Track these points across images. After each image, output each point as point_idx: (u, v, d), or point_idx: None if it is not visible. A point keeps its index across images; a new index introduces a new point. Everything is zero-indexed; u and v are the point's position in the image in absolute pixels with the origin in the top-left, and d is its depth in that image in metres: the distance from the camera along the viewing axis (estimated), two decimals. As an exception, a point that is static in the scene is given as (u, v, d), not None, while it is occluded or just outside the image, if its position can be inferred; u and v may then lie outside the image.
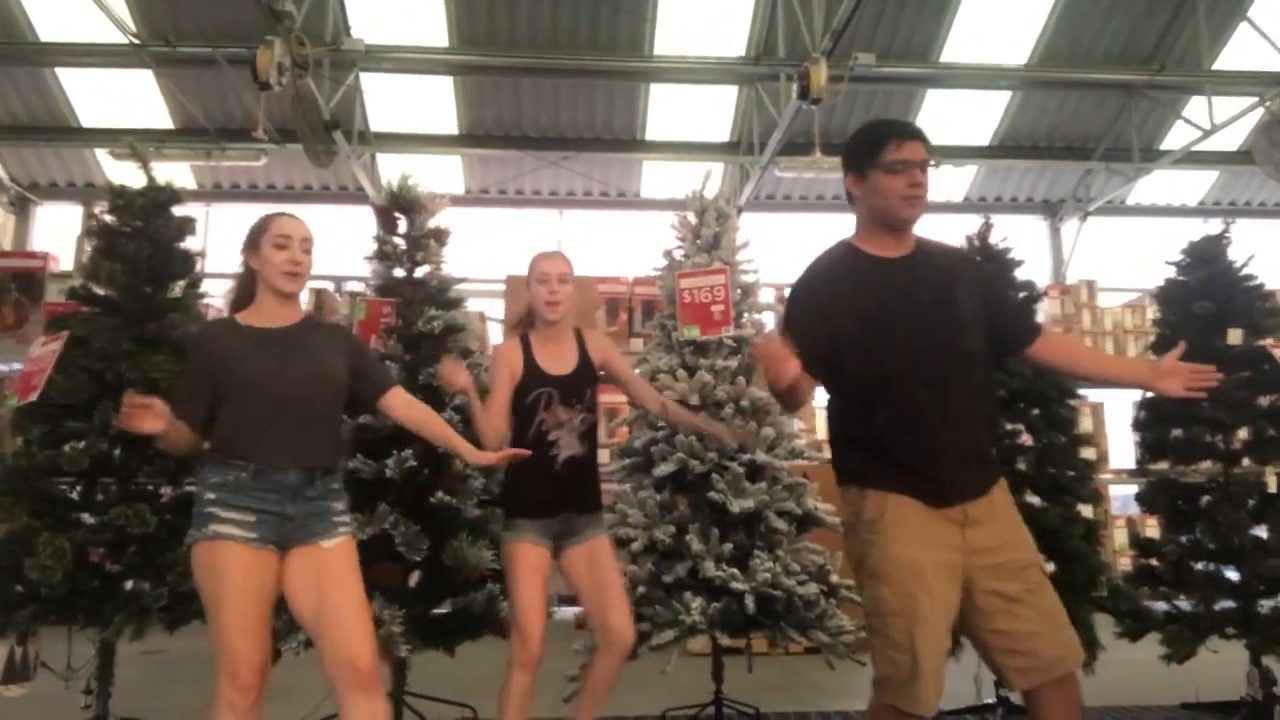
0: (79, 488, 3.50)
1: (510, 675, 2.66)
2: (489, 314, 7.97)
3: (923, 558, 2.09)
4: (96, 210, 3.81)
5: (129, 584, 3.30)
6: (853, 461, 2.26)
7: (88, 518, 3.37)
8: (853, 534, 2.23)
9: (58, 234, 10.90)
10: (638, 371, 3.43)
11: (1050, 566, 3.55)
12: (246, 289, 2.50)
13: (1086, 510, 4.01)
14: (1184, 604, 4.09)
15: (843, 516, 2.31)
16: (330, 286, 8.37)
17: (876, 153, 2.22)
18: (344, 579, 2.33)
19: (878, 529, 2.14)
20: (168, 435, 2.31)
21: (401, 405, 2.61)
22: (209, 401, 2.38)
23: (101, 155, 10.61)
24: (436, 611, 3.47)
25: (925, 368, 2.15)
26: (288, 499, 2.32)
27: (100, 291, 3.63)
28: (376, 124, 9.95)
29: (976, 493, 2.16)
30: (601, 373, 2.94)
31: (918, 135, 2.25)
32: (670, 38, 9.20)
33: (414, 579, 3.25)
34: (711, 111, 10.28)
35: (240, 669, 2.20)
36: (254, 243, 2.46)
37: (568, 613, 5.80)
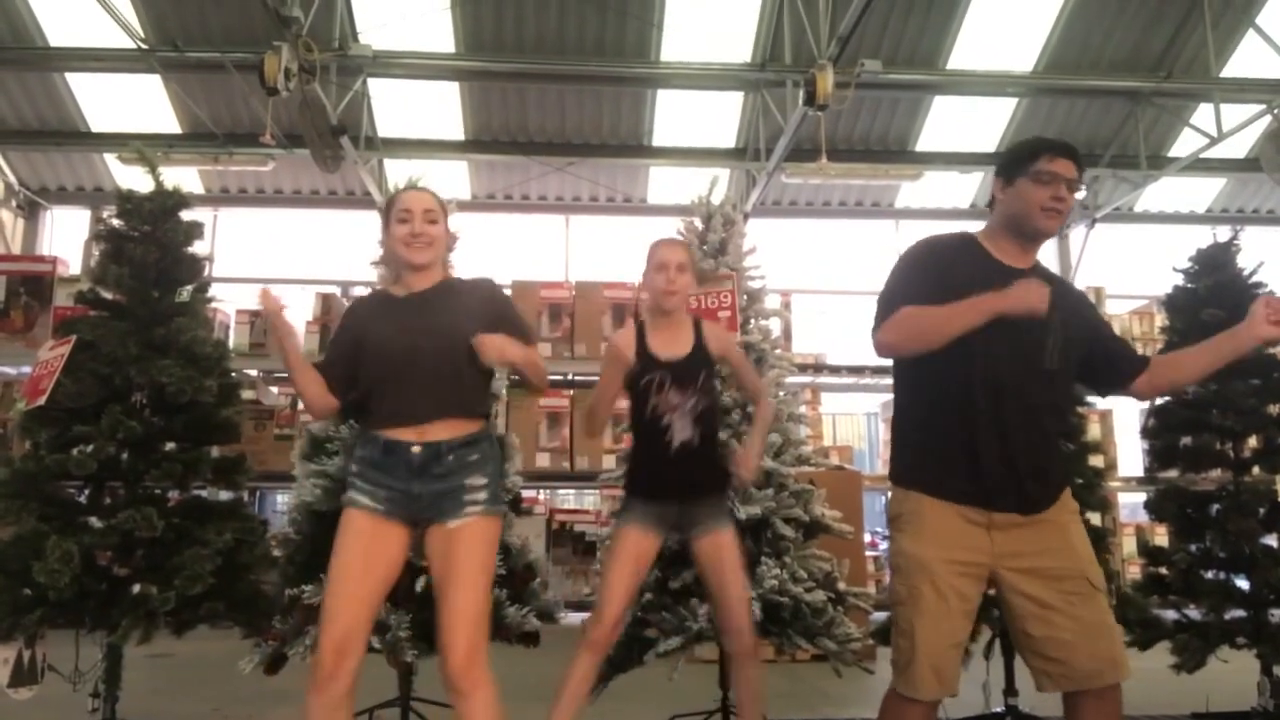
0: (87, 491, 3.50)
1: (578, 653, 2.66)
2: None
3: (933, 555, 2.16)
4: (105, 215, 3.82)
5: (136, 587, 3.30)
6: (895, 457, 2.37)
7: (95, 521, 3.38)
8: None
9: (66, 238, 10.97)
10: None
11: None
12: (393, 265, 2.58)
13: (1094, 518, 4.00)
14: (1194, 613, 4.06)
15: None
16: (337, 291, 8.38)
17: (1029, 161, 2.25)
18: (461, 566, 2.28)
19: (899, 525, 2.27)
20: (293, 367, 2.40)
21: None
22: (345, 370, 2.44)
23: (110, 160, 10.66)
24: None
25: (996, 376, 2.17)
26: (414, 477, 2.32)
27: (108, 296, 3.63)
28: (383, 129, 9.97)
29: (1015, 504, 2.17)
30: (720, 367, 2.88)
31: (1072, 155, 2.26)
32: (677, 44, 9.21)
33: (420, 583, 3.23)
34: (718, 117, 10.28)
35: (321, 646, 2.20)
36: (385, 220, 2.52)
37: (575, 619, 5.78)
